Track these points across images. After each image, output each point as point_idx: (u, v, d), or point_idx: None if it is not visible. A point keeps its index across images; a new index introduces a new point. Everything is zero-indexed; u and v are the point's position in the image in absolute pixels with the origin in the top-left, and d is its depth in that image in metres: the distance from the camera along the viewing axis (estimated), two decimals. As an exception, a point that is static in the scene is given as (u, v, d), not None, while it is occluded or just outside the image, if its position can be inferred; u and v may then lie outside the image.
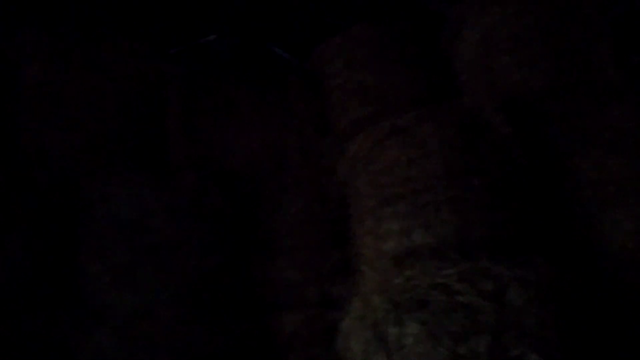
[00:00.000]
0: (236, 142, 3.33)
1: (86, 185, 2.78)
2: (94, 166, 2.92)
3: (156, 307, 2.56)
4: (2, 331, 2.43)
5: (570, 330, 1.99)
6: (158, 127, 3.36)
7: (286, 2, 5.29)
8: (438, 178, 2.38)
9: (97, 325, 2.44)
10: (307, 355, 2.72)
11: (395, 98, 3.13)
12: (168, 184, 2.86)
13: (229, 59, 6.07)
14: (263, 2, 5.31)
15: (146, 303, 2.53)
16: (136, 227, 2.69)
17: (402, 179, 2.46)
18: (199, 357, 2.50)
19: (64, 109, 3.02)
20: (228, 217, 2.99)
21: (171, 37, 5.52)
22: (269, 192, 3.13)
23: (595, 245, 2.36)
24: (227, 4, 5.39)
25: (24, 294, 2.58)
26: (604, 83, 2.74)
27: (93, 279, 2.61)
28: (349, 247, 2.73)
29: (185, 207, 2.80)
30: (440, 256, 2.19)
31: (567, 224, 2.45)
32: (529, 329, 1.89)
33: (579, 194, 2.45)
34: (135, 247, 2.65)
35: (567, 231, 2.44)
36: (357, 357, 2.16)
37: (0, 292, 2.52)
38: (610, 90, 2.68)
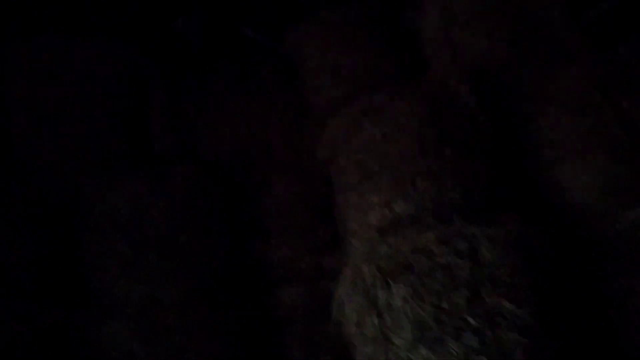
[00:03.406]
0: (220, 131, 3.48)
1: (85, 188, 2.94)
2: (89, 168, 3.07)
3: (165, 294, 2.75)
4: (20, 331, 2.57)
5: (538, 278, 2.23)
6: (143, 123, 3.49)
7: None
8: (412, 151, 2.58)
9: (112, 316, 2.62)
10: (306, 323, 2.94)
11: (368, 77, 3.28)
12: (161, 179, 3.02)
13: (198, 41, 6.10)
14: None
15: (155, 291, 2.72)
16: (136, 222, 2.84)
17: (379, 154, 2.65)
18: (210, 335, 2.71)
19: (54, 117, 3.14)
20: (221, 204, 3.15)
21: (140, 24, 5.53)
22: (257, 177, 3.30)
23: (557, 199, 2.60)
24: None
25: (34, 293, 2.74)
26: (558, 46, 2.93)
27: (102, 274, 2.77)
28: (336, 221, 2.95)
29: (180, 198, 2.97)
30: (420, 223, 2.40)
31: (531, 183, 2.68)
32: (501, 280, 2.12)
33: (540, 153, 2.67)
34: (137, 240, 2.81)
35: (532, 189, 2.67)
36: (351, 320, 2.35)
37: (9, 294, 2.66)
38: (563, 53, 2.88)
